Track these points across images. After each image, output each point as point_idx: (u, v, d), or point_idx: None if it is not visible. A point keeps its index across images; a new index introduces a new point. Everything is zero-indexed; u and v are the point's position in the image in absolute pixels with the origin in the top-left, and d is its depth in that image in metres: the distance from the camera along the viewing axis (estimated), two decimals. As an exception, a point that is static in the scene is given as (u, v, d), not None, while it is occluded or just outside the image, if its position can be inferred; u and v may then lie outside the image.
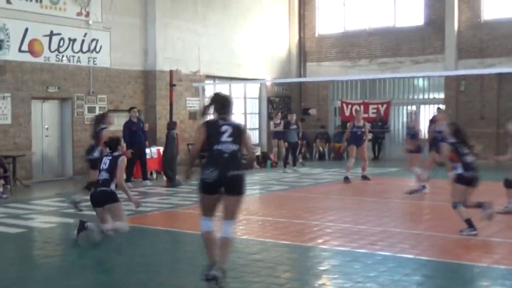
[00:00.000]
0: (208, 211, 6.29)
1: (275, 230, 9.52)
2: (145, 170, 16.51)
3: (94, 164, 10.68)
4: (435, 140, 13.03)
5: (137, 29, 19.45)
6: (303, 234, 9.17)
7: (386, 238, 8.77)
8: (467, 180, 8.82)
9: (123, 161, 8.73)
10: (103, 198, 8.62)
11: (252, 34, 23.60)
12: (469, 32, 22.46)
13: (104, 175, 8.75)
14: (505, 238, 8.70)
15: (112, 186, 8.69)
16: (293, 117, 20.37)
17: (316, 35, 25.74)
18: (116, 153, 8.94)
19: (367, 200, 12.98)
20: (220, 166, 6.11)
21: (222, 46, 22.15)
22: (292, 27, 25.70)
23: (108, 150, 9.26)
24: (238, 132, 6.30)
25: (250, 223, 10.32)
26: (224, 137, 6.22)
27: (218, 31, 22.02)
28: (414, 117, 15.84)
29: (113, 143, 9.13)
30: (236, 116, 23.63)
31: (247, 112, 24.26)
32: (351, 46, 24.76)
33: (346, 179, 15.79)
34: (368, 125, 17.20)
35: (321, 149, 24.41)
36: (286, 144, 20.15)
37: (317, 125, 23.90)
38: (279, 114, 22.23)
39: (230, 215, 6.26)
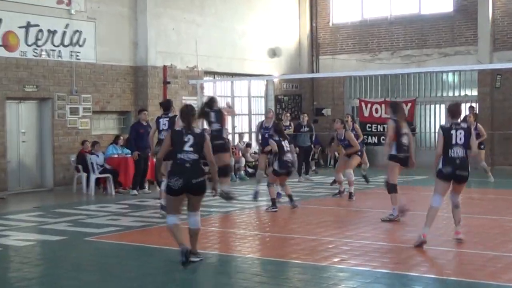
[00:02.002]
0: (174, 210, 8.19)
1: (284, 248, 9.52)
2: (144, 178, 16.89)
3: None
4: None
5: (126, 20, 19.51)
6: (316, 252, 9.16)
7: (413, 256, 8.76)
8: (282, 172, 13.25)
9: (178, 119, 10.71)
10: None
11: (257, 24, 23.62)
12: (505, 20, 22.45)
13: None
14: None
15: None
16: (304, 118, 20.38)
17: (330, 24, 25.77)
18: (170, 114, 12.23)
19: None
20: (183, 176, 7.99)
21: (222, 38, 22.18)
22: (302, 15, 25.73)
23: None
24: (200, 142, 8.12)
25: (256, 240, 10.32)
26: (186, 147, 8.04)
27: (217, 21, 22.06)
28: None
29: (165, 105, 12.74)
30: (240, 117, 23.67)
31: (252, 113, 24.26)
32: (371, 36, 24.77)
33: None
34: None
35: (337, 154, 24.31)
36: (297, 149, 20.11)
37: (332, 127, 23.83)
38: (288, 114, 22.21)
39: (194, 208, 8.29)
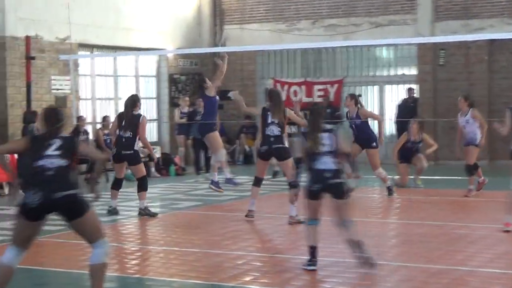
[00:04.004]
0: (18, 239, 7.12)
1: (182, 265, 9.50)
2: None
3: None
4: None
5: (-23, -23, 19.05)
6: (222, 269, 9.19)
7: (339, 272, 8.86)
8: None
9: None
10: None
11: (146, -16, 23.46)
12: (450, -17, 23.01)
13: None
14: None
15: None
16: (201, 104, 20.36)
17: (238, -14, 25.82)
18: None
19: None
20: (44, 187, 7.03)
21: (103, 2, 21.88)
22: (203, -25, 25.69)
23: None
24: (70, 145, 7.32)
25: (147, 256, 10.26)
26: (50, 151, 7.18)
27: (96, -19, 21.79)
28: None
29: None
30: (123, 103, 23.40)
31: (140, 97, 24.01)
32: (287, 1, 24.91)
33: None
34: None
35: (247, 148, 24.47)
36: (191, 141, 20.24)
37: (240, 114, 23.94)
38: (187, 99, 22.16)
39: (93, 237, 7.12)
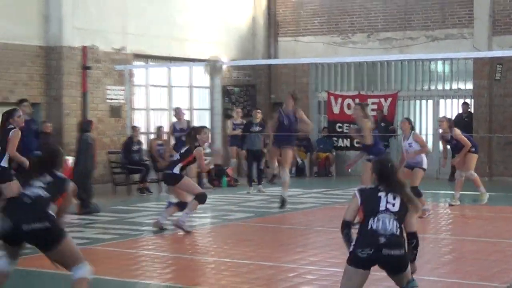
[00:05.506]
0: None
1: (234, 277, 9.55)
2: None
3: None
4: None
5: (35, -13, 19.36)
6: (275, 282, 9.24)
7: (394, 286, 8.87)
8: None
9: None
10: None
11: (202, -5, 23.63)
12: (508, -3, 22.84)
13: None
14: None
15: None
16: (257, 115, 20.42)
17: (293, -2, 25.91)
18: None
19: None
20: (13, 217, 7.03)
21: (158, 12, 22.06)
22: (258, -14, 25.80)
23: None
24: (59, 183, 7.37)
25: (198, 266, 10.34)
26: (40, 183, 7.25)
27: (152, -9, 22.00)
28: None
29: None
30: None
31: (193, 108, 24.20)
32: (342, 14, 24.90)
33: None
34: None
35: (299, 160, 24.49)
36: (245, 152, 20.33)
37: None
38: (240, 110, 22.28)
39: (69, 264, 7.23)
